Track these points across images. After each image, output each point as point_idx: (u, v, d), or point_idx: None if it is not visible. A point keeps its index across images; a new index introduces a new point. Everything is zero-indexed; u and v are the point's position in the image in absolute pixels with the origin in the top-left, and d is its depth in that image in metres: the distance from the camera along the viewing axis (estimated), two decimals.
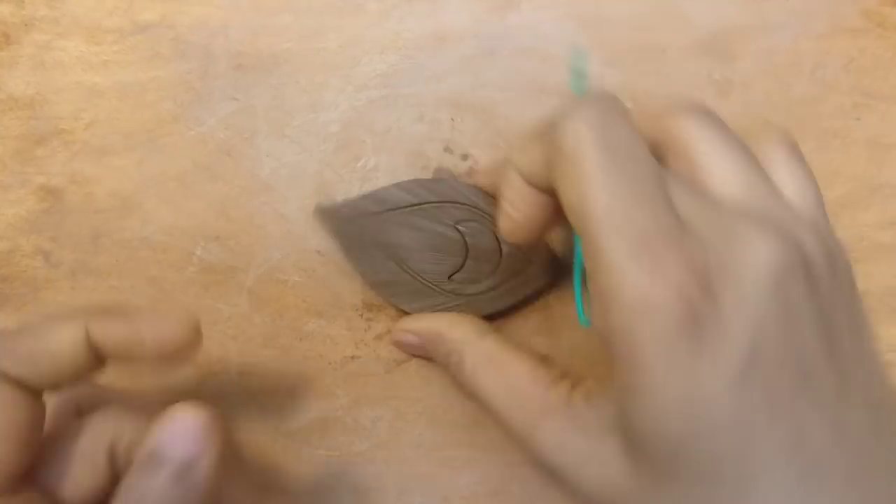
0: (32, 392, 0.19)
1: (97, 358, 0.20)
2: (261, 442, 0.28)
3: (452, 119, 0.29)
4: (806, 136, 0.29)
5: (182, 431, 0.18)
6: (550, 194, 0.20)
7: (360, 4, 0.29)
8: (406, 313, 0.28)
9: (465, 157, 0.29)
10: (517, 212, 0.22)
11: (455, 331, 0.26)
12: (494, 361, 0.25)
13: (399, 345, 0.28)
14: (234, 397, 0.28)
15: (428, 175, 0.29)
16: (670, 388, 0.17)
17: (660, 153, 0.21)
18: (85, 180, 0.29)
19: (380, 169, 0.29)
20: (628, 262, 0.17)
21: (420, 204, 0.26)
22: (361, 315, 0.29)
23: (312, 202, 0.29)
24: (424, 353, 0.28)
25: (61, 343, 0.19)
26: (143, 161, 0.29)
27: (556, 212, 0.21)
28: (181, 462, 0.18)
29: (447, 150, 0.29)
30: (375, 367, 0.29)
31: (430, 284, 0.27)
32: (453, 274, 0.27)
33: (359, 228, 0.27)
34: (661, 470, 0.18)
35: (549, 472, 0.22)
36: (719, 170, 0.20)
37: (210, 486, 0.18)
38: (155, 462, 0.18)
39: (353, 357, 0.29)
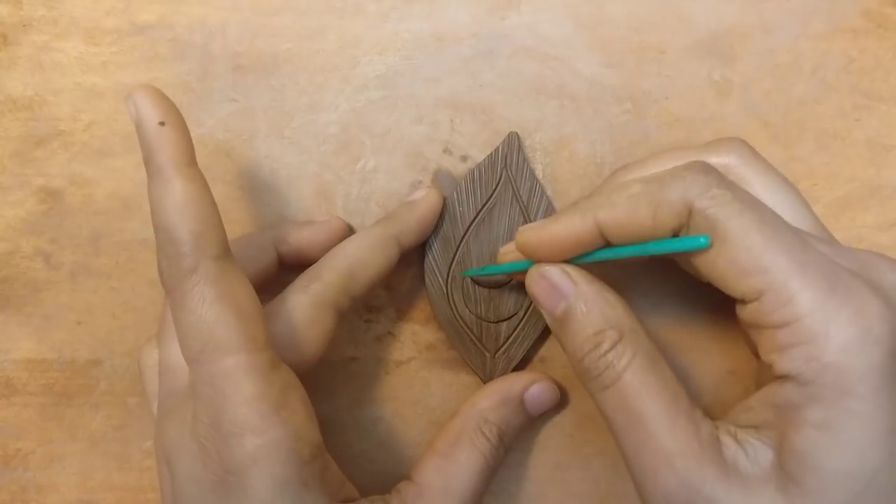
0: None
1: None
2: None
3: (452, 120, 0.29)
4: (806, 137, 0.29)
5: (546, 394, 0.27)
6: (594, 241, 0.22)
7: (360, 5, 0.29)
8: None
9: (464, 158, 0.29)
10: (559, 234, 0.23)
11: (624, 309, 0.22)
12: (657, 367, 0.22)
13: (539, 288, 0.23)
14: None
15: (427, 175, 0.29)
16: (882, 421, 0.19)
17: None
18: (84, 182, 0.29)
19: (379, 170, 0.29)
20: (836, 305, 0.19)
21: None
22: (361, 316, 0.29)
23: (312, 203, 0.29)
24: (556, 311, 0.23)
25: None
26: (143, 163, 0.29)
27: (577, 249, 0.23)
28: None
29: (446, 151, 0.29)
30: (375, 368, 0.29)
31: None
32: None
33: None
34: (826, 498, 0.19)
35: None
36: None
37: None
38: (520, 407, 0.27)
39: (353, 358, 0.29)
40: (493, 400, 0.26)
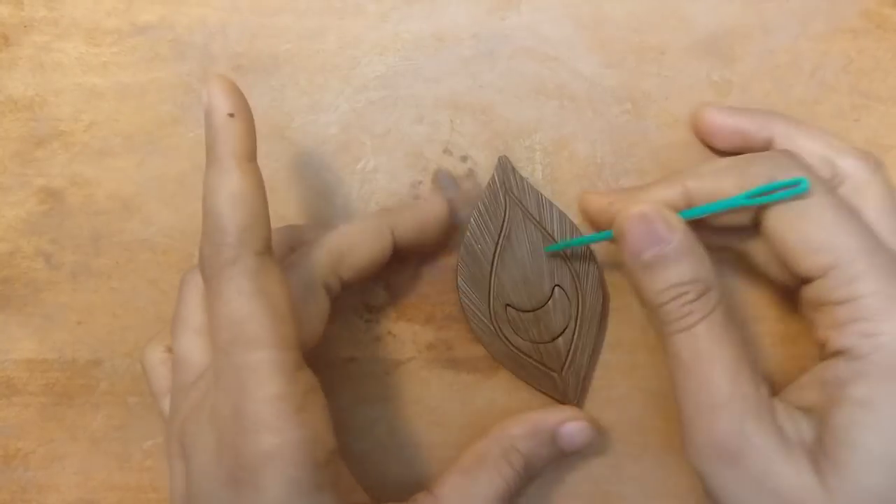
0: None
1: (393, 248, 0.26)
2: None
3: (452, 120, 0.29)
4: None
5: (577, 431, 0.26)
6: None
7: (360, 6, 0.29)
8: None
9: (464, 158, 0.29)
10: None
11: (712, 267, 0.23)
12: (733, 326, 0.22)
13: (634, 228, 0.22)
14: None
15: (427, 175, 0.29)
16: None
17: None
18: (85, 182, 0.29)
19: (379, 170, 0.29)
20: None
21: None
22: (361, 316, 0.29)
23: (312, 203, 0.29)
24: (646, 255, 0.22)
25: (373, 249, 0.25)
26: (144, 163, 0.29)
27: None
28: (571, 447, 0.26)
29: (446, 151, 0.29)
30: (375, 368, 0.29)
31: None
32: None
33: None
34: (857, 486, 0.20)
35: (718, 451, 0.21)
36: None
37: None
38: (551, 441, 0.26)
39: (352, 358, 0.29)
40: (524, 428, 0.26)
